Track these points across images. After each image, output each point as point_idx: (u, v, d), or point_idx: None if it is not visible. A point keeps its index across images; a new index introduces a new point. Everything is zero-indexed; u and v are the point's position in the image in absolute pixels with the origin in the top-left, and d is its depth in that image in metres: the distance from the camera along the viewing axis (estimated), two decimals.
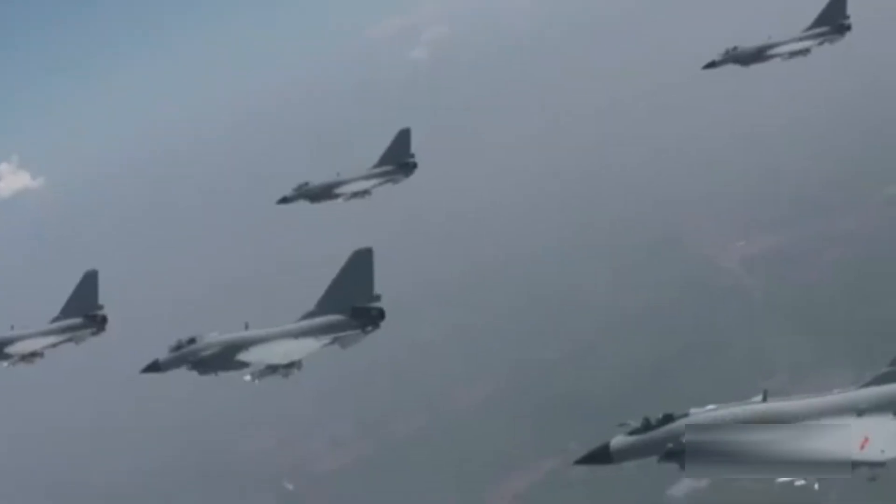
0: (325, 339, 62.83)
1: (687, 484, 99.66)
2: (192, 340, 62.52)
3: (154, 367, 62.74)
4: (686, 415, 44.53)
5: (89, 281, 68.81)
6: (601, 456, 45.41)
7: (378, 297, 64.79)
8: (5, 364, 65.18)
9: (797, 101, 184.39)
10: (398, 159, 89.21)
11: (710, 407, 44.74)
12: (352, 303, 63.92)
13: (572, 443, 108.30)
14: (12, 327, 66.77)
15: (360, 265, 65.25)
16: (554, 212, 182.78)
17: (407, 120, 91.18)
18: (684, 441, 43.43)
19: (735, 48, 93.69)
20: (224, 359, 62.07)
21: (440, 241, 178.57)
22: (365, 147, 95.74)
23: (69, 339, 66.80)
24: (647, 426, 44.90)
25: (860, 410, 43.54)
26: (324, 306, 64.21)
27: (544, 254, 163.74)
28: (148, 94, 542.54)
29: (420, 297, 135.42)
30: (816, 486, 42.31)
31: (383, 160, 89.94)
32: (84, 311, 67.39)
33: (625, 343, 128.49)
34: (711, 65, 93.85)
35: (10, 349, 65.19)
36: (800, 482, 42.15)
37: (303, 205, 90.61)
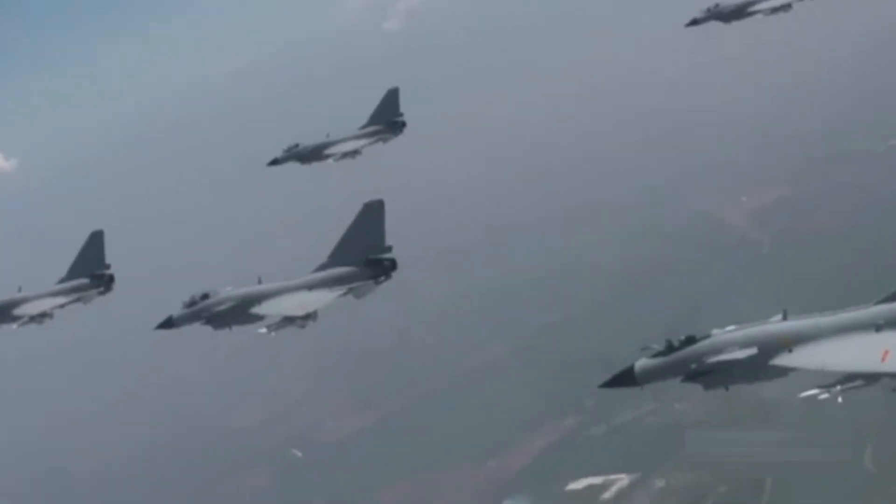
0: (339, 290, 62.63)
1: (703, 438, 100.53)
2: (205, 296, 61.80)
3: (168, 324, 61.94)
4: (708, 336, 44.72)
5: (95, 241, 68.32)
6: (626, 378, 45.52)
7: (389, 248, 64.69)
8: (15, 325, 64.96)
9: (790, 59, 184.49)
10: (387, 118, 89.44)
11: (731, 327, 44.86)
12: (364, 254, 63.95)
13: (589, 400, 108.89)
14: (20, 289, 66.52)
15: (372, 217, 65.08)
16: (551, 180, 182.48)
17: (384, 86, 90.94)
18: (707, 361, 43.91)
19: (717, 5, 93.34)
20: (239, 313, 61.55)
21: (433, 203, 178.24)
22: (343, 118, 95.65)
23: (77, 300, 66.43)
24: (670, 348, 44.97)
25: (878, 326, 43.68)
26: (336, 258, 64.04)
27: (547, 221, 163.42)
28: (124, 78, 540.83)
29: (419, 258, 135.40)
30: (840, 399, 42.70)
31: (372, 120, 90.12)
32: (91, 270, 67.07)
33: (636, 303, 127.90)
34: (694, 22, 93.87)
35: (18, 310, 64.92)
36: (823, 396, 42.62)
37: (293, 166, 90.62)
